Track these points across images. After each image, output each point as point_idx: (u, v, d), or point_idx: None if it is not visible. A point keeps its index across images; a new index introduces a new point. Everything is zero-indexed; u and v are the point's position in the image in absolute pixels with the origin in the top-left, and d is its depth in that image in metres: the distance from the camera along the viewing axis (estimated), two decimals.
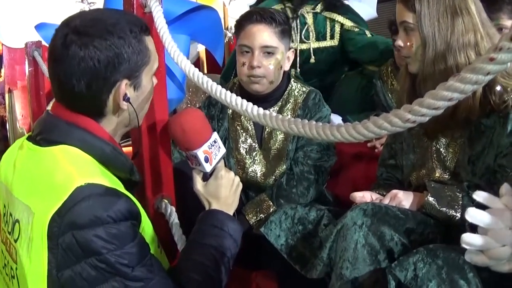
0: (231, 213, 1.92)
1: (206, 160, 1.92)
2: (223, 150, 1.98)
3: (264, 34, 2.56)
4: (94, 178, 1.54)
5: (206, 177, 1.95)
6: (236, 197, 1.97)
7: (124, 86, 1.63)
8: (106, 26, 1.60)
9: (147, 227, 1.69)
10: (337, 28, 3.73)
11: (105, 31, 1.59)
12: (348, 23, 3.74)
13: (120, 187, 1.62)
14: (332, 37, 3.73)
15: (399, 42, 2.10)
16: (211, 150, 1.93)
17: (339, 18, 3.74)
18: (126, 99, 1.65)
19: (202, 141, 1.92)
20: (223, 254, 1.79)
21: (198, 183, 1.95)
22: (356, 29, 3.74)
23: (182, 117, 1.94)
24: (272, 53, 2.57)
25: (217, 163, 1.95)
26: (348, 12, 3.81)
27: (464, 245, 1.42)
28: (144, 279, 1.53)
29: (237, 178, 1.99)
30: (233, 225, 1.86)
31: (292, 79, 2.75)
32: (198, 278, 1.71)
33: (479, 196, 1.44)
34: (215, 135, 1.97)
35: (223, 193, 1.92)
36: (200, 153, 1.91)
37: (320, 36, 3.73)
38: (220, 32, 3.62)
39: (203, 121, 1.95)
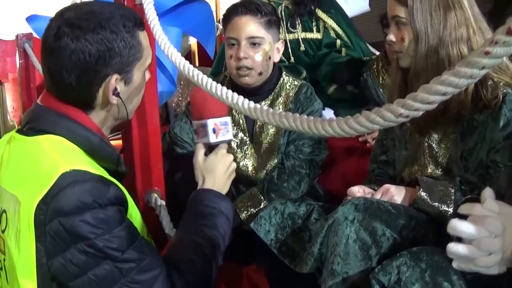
0: None
1: (213, 131, 1.95)
2: (230, 136, 2.00)
3: (249, 25, 2.55)
4: (80, 165, 1.55)
5: (207, 152, 1.99)
6: (229, 182, 1.98)
7: (114, 81, 1.64)
8: (100, 20, 1.60)
9: (135, 214, 1.70)
10: (322, 23, 3.71)
11: (97, 25, 1.59)
12: (329, 22, 3.72)
13: (107, 176, 1.62)
14: (318, 30, 3.71)
15: (391, 37, 2.09)
16: (220, 127, 1.96)
17: (322, 15, 3.71)
18: (116, 93, 1.65)
19: (217, 113, 1.95)
20: (217, 232, 1.81)
21: (199, 156, 1.97)
22: (332, 32, 3.70)
23: None
24: (259, 44, 2.56)
25: (222, 141, 1.97)
26: (332, 9, 3.77)
27: (450, 256, 1.41)
28: (136, 260, 1.54)
29: (234, 164, 2.00)
30: (225, 203, 1.89)
31: (284, 73, 2.74)
32: (193, 257, 1.73)
33: (454, 226, 1.43)
34: (229, 119, 2.00)
35: (219, 170, 1.94)
36: (211, 123, 1.94)
37: (307, 27, 3.71)
38: (212, 25, 3.62)
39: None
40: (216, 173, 1.93)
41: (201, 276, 1.73)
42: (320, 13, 3.69)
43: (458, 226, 1.35)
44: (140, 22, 1.71)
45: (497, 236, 1.34)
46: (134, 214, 1.70)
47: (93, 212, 1.49)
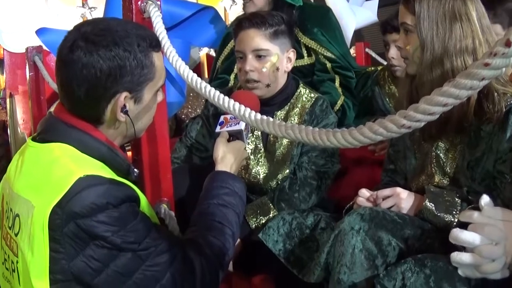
0: None
1: (246, 126, 2.22)
2: (247, 140, 2.29)
3: (254, 38, 2.56)
4: (93, 170, 1.60)
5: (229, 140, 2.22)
6: (238, 167, 2.17)
7: (123, 98, 1.67)
8: (114, 37, 1.64)
9: (147, 210, 1.74)
10: (307, 47, 3.49)
11: (111, 42, 1.63)
12: (313, 45, 3.43)
13: (118, 178, 1.66)
14: (309, 55, 3.48)
15: (399, 43, 2.12)
16: (247, 127, 2.26)
17: (304, 39, 3.45)
18: (124, 111, 1.68)
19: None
20: (233, 211, 1.93)
21: (224, 138, 2.19)
22: (321, 57, 3.45)
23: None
24: (264, 56, 2.57)
25: (245, 136, 2.24)
26: (315, 27, 3.44)
27: (454, 264, 1.42)
28: (153, 245, 1.62)
29: (247, 153, 2.29)
30: (239, 184, 2.03)
31: (301, 85, 2.75)
32: (211, 235, 1.81)
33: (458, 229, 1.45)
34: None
35: (238, 156, 2.15)
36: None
37: (298, 54, 3.22)
38: (221, 26, 3.62)
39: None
40: (234, 157, 2.13)
41: (218, 253, 1.79)
42: (301, 36, 3.46)
43: (459, 235, 1.38)
44: (156, 43, 1.75)
45: (498, 243, 1.36)
46: (147, 210, 1.74)
47: (108, 212, 1.54)
